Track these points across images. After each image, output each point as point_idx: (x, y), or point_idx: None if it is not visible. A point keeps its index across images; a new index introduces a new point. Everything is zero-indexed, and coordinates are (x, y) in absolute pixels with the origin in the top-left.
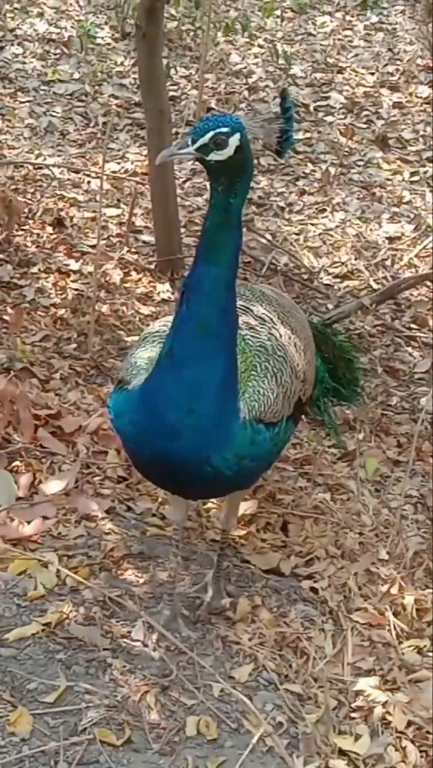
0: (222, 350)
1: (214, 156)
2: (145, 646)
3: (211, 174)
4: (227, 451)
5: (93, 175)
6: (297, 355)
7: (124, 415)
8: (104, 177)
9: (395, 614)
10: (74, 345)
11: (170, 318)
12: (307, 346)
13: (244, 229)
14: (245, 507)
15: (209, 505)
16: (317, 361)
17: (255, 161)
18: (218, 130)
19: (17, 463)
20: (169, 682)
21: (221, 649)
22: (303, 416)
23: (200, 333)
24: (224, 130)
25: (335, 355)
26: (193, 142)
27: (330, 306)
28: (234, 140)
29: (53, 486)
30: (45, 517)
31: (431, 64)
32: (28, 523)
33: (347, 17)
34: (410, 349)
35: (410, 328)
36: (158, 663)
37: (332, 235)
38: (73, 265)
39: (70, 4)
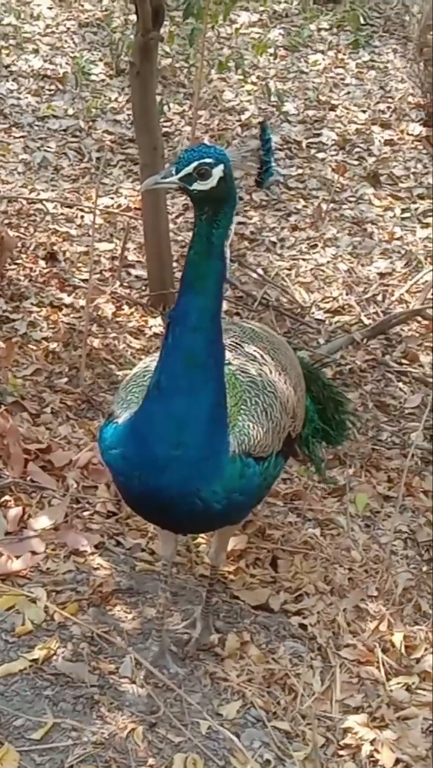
0: (210, 382)
1: (198, 186)
2: (133, 682)
3: (194, 203)
4: (216, 485)
5: (86, 209)
6: (287, 391)
7: (114, 448)
8: (97, 212)
9: (384, 651)
10: (66, 379)
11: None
12: (297, 383)
13: (236, 264)
14: (235, 542)
15: (199, 540)
16: (306, 401)
17: (247, 197)
18: (202, 161)
19: (7, 497)
20: (157, 719)
21: (209, 685)
22: (294, 455)
23: (187, 364)
24: (208, 160)
25: (324, 396)
26: (177, 171)
27: (321, 341)
28: (218, 171)
29: (42, 521)
30: (34, 552)
31: (422, 102)
32: (17, 557)
33: (339, 55)
34: (400, 384)
35: (400, 363)
36: (146, 700)
37: (323, 271)
38: (66, 299)
39: (65, 41)
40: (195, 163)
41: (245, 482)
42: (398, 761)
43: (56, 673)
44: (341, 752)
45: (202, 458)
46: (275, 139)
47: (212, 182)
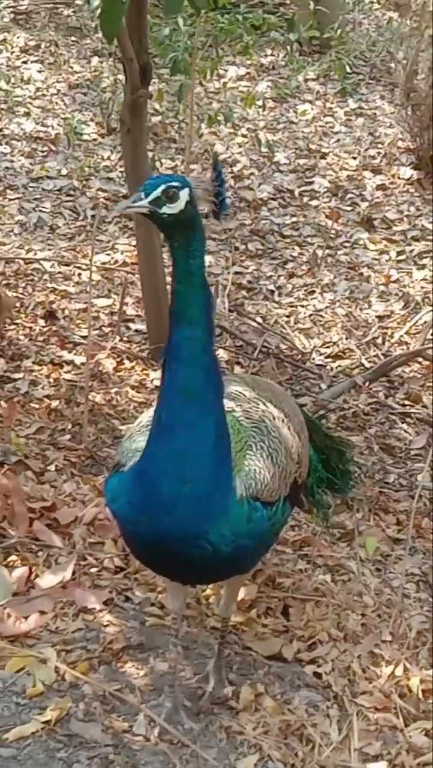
0: (209, 414)
1: (167, 210)
2: (148, 740)
3: (166, 230)
4: (224, 527)
5: (83, 267)
6: (291, 437)
7: (121, 496)
8: (94, 268)
9: (401, 696)
10: (69, 435)
11: None
12: (300, 430)
13: (234, 314)
14: (245, 592)
15: (208, 592)
16: (309, 450)
17: (243, 246)
18: (168, 183)
19: (13, 557)
20: None
21: (225, 739)
22: (300, 505)
23: (185, 398)
24: (175, 183)
25: (327, 446)
26: (147, 195)
27: (323, 386)
28: (184, 194)
29: (50, 579)
30: (42, 612)
31: (411, 146)
32: (26, 618)
33: (327, 104)
34: (405, 425)
35: (403, 405)
36: (161, 757)
37: (322, 316)
38: (66, 356)
39: (56, 103)
40: (163, 186)
41: (253, 526)
42: None
43: (69, 734)
44: None
45: (209, 494)
46: (268, 189)
47: (180, 205)
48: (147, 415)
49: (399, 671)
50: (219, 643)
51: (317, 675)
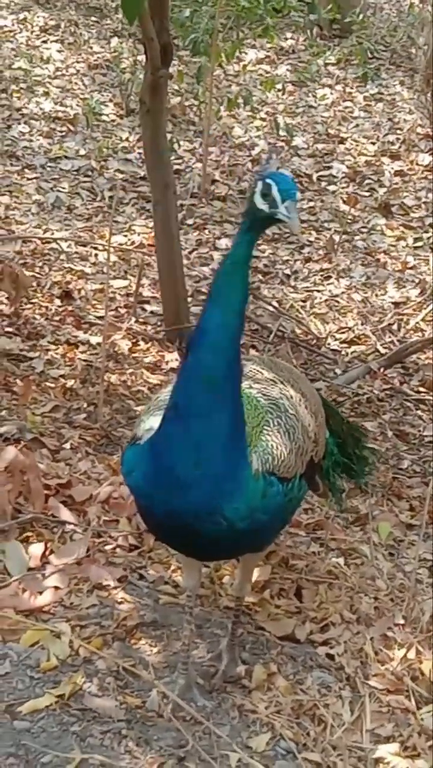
0: (227, 403)
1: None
2: (161, 716)
3: (264, 225)
4: (239, 502)
5: (100, 248)
6: (308, 416)
7: (136, 470)
8: (111, 249)
9: (413, 679)
10: (84, 415)
11: None
12: (317, 410)
13: (250, 298)
14: (258, 573)
15: (222, 572)
16: (326, 433)
17: None
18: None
19: (28, 533)
20: (186, 753)
21: (237, 718)
22: (315, 488)
23: (206, 385)
24: None
25: (343, 431)
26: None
27: (338, 371)
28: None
29: (65, 555)
30: (57, 587)
31: (430, 133)
32: (40, 593)
33: (347, 89)
34: (419, 412)
35: (418, 392)
36: (174, 733)
37: (338, 302)
38: (82, 336)
39: (75, 83)
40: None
41: (268, 501)
42: None
43: (83, 709)
44: None
45: (223, 476)
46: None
47: None
48: (166, 391)
49: (412, 654)
50: (232, 622)
51: (330, 656)
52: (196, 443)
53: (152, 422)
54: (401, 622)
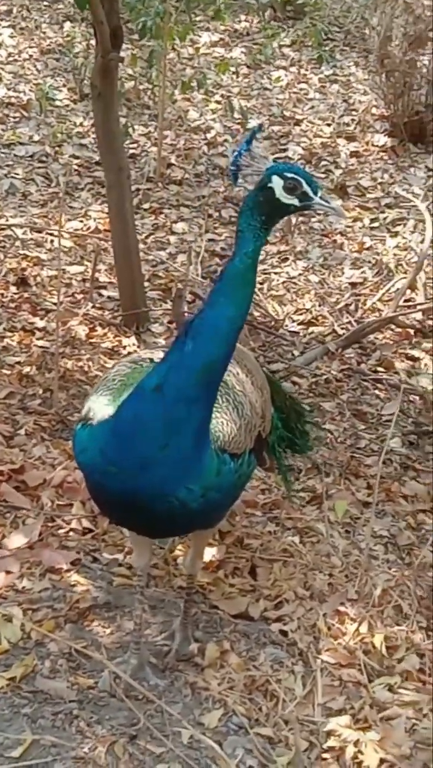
0: (214, 389)
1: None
2: (113, 696)
3: (281, 215)
4: (195, 483)
5: (55, 234)
6: (255, 391)
7: (91, 446)
8: (66, 235)
9: (366, 653)
10: (39, 401)
11: (129, 360)
12: (263, 386)
13: (208, 281)
14: (213, 553)
15: (176, 552)
16: (271, 408)
17: (216, 213)
18: None
19: None
20: (137, 731)
21: (190, 695)
22: (261, 463)
23: (203, 372)
24: None
25: (287, 405)
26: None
27: (296, 352)
28: None
29: (17, 540)
30: (8, 572)
31: (385, 113)
32: None
33: (302, 71)
34: (376, 391)
35: (376, 371)
36: (126, 713)
37: (295, 283)
38: (38, 322)
39: (28, 69)
40: None
41: (221, 479)
42: (382, 761)
43: (34, 691)
44: (324, 755)
45: (184, 459)
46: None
47: None
48: (114, 371)
49: (364, 629)
50: (185, 601)
51: (283, 633)
52: (173, 426)
53: (104, 402)
54: (354, 597)
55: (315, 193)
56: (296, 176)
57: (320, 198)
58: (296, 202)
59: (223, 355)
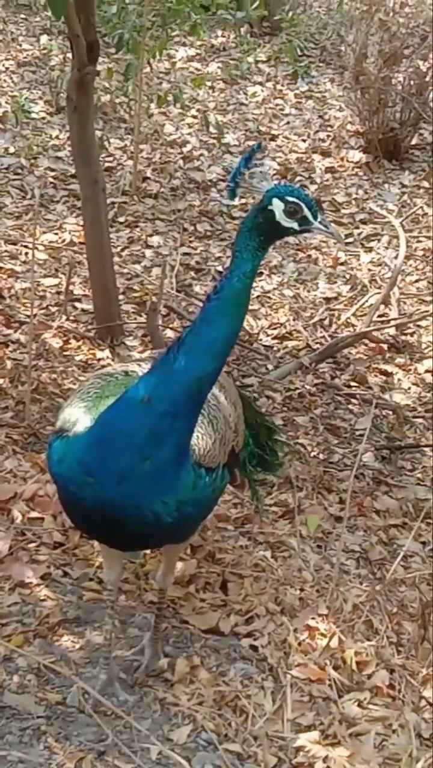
0: (201, 404)
1: None
2: (81, 712)
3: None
4: (170, 498)
5: (30, 246)
6: (228, 406)
7: (68, 457)
8: (41, 247)
9: (336, 668)
10: (11, 414)
11: (103, 372)
12: (236, 401)
13: (182, 294)
14: (184, 567)
15: (147, 567)
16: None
17: (192, 227)
18: None
19: None
20: (105, 747)
21: (159, 711)
22: (232, 480)
23: (195, 387)
24: None
25: (257, 422)
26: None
27: (270, 367)
28: None
29: None
30: None
31: (360, 130)
32: None
33: (278, 87)
34: (350, 406)
35: (349, 386)
36: (94, 728)
37: (270, 298)
38: (12, 335)
39: (4, 81)
40: None
41: (197, 493)
42: None
43: (2, 706)
44: None
45: (164, 473)
46: (217, 170)
47: None
48: (89, 384)
49: (334, 643)
50: (156, 615)
51: (254, 648)
52: (158, 439)
53: (80, 413)
54: (325, 612)
55: (315, 218)
56: (297, 201)
57: (320, 222)
58: (295, 225)
59: (215, 371)
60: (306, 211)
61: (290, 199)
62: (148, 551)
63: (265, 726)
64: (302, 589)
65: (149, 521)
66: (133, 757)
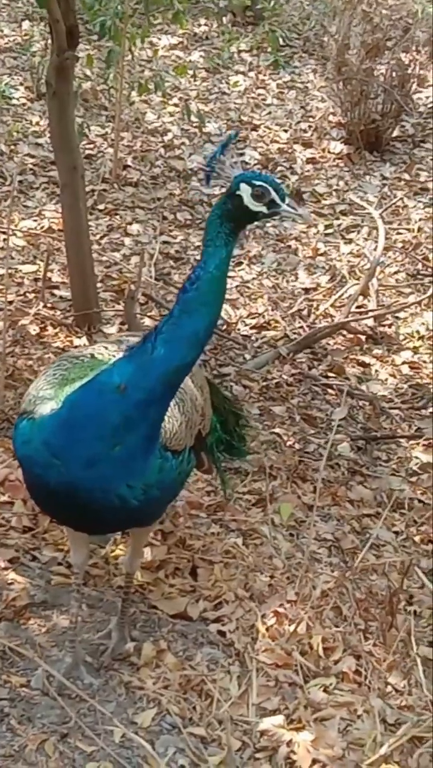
0: (173, 394)
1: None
2: (45, 694)
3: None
4: (137, 481)
5: (9, 232)
6: (195, 389)
7: (34, 440)
8: (18, 234)
9: (303, 654)
10: None
11: (69, 355)
12: (202, 385)
13: (161, 283)
14: (154, 553)
15: (117, 552)
16: (210, 409)
17: (172, 216)
18: None
19: None
20: (68, 730)
21: (124, 694)
22: (199, 465)
23: (172, 375)
24: None
25: (225, 408)
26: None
27: (248, 356)
28: None
29: None
30: None
31: (342, 121)
32: None
33: (260, 76)
34: (327, 396)
35: (327, 377)
36: (58, 711)
37: (249, 287)
38: None
39: None
40: None
41: (163, 476)
42: (314, 761)
43: None
44: (257, 755)
45: (132, 458)
46: (198, 159)
47: None
48: (56, 365)
49: (302, 629)
50: (123, 600)
51: (221, 633)
52: (130, 426)
53: (46, 395)
54: (294, 598)
55: (283, 200)
56: (264, 184)
57: (288, 205)
58: (264, 209)
59: (193, 360)
60: (273, 194)
61: (257, 183)
62: (117, 536)
63: (229, 710)
64: (272, 576)
65: (115, 505)
66: (96, 739)
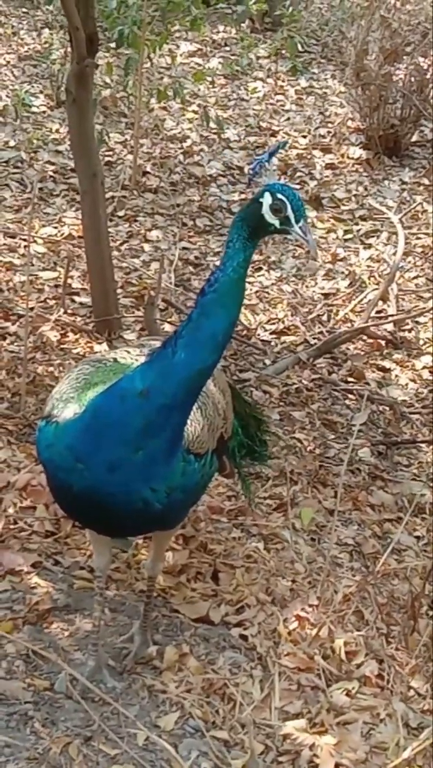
0: (195, 398)
1: None
2: (69, 698)
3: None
4: (160, 485)
5: (29, 239)
6: (217, 393)
7: (58, 443)
8: (39, 241)
9: (325, 657)
10: (6, 405)
11: (92, 359)
12: (224, 389)
13: (181, 289)
14: (176, 557)
15: (139, 556)
16: (232, 413)
17: (191, 222)
18: None
19: None
20: (92, 733)
21: (147, 698)
22: (221, 469)
23: (195, 379)
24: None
25: (246, 413)
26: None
27: (268, 362)
28: None
29: None
30: None
31: (361, 126)
32: None
33: (279, 82)
34: (347, 401)
35: (346, 382)
36: (81, 714)
37: (268, 293)
38: (10, 327)
39: (5, 75)
40: None
41: (186, 479)
42: (337, 765)
43: None
44: (280, 759)
45: (154, 463)
46: (217, 165)
47: None
48: (78, 370)
49: (324, 633)
50: (145, 603)
51: (243, 637)
52: (153, 431)
53: (69, 400)
54: (316, 602)
55: (297, 221)
56: (284, 199)
57: (300, 227)
58: (276, 223)
59: (214, 362)
60: (290, 212)
61: (279, 196)
62: (140, 540)
63: (252, 713)
64: (293, 581)
65: (138, 508)
66: (120, 742)
